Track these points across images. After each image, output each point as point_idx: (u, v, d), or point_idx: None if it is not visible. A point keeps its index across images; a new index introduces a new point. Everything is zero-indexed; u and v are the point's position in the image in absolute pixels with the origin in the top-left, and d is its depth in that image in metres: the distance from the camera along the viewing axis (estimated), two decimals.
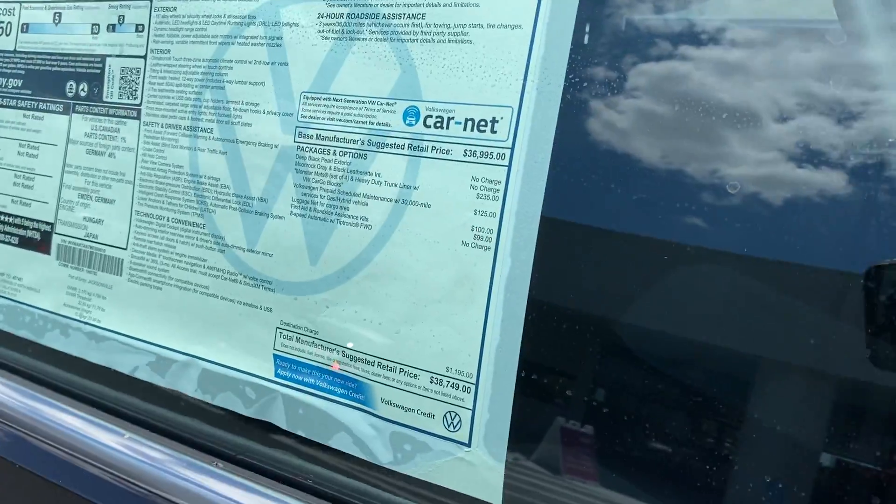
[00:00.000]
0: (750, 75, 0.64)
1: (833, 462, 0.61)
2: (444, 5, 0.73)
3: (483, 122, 0.70)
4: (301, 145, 0.80)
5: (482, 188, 0.70)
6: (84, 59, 1.02)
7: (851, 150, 0.60)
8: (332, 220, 0.78)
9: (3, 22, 1.11)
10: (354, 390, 0.78)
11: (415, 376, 0.73)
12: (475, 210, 0.70)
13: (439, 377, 0.72)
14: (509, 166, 0.68)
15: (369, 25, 0.77)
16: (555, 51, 0.67)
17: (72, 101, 1.03)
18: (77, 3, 1.03)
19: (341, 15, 0.79)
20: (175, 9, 0.92)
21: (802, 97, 0.62)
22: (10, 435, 0.98)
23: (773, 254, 0.63)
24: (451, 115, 0.72)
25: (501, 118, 0.69)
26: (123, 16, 0.97)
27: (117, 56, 0.98)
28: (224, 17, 0.87)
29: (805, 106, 0.62)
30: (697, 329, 0.67)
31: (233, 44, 0.86)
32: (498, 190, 0.69)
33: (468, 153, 0.70)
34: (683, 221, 0.66)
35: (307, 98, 0.80)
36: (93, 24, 1.01)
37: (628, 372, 0.70)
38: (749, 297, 0.65)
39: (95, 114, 1.00)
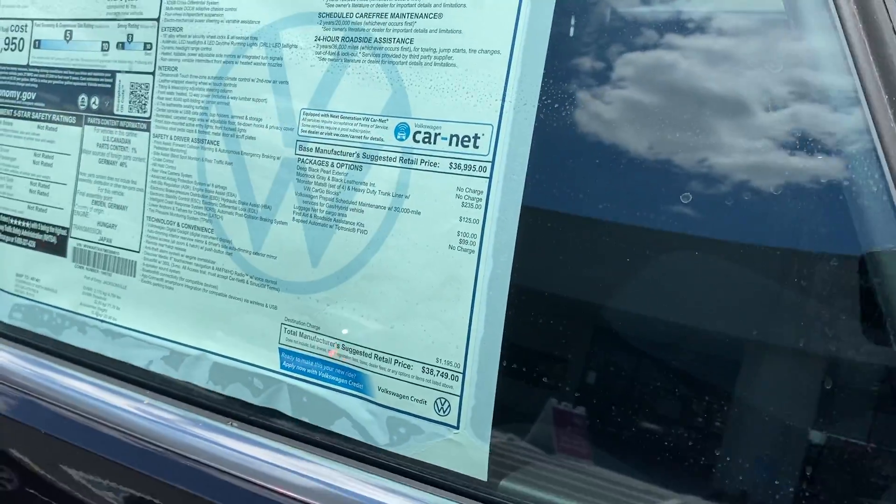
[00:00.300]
0: (724, 92, 0.72)
1: (821, 440, 0.67)
2: (431, 31, 0.80)
3: (466, 138, 0.78)
4: (301, 157, 0.88)
5: (466, 197, 0.77)
6: (95, 74, 1.09)
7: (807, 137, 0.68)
8: (331, 226, 0.86)
9: (16, 38, 1.18)
10: (353, 380, 0.86)
11: (408, 366, 0.81)
12: (460, 217, 0.78)
13: (430, 367, 0.80)
14: (490, 178, 0.76)
15: (362, 49, 0.84)
16: (530, 74, 0.75)
17: (84, 114, 1.10)
18: (87, 22, 1.10)
19: (337, 38, 0.86)
20: (181, 29, 0.99)
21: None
22: (39, 406, 1.07)
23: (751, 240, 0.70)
24: (437, 131, 0.79)
25: (483, 134, 0.77)
26: (132, 34, 1.05)
27: (127, 72, 1.05)
28: (227, 37, 0.95)
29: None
30: (669, 323, 0.76)
31: (236, 63, 0.94)
32: (480, 199, 0.77)
33: (453, 166, 0.78)
34: (646, 232, 0.74)
35: (306, 114, 0.88)
36: (103, 42, 1.08)
37: (603, 360, 0.79)
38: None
39: (107, 126, 1.07)
